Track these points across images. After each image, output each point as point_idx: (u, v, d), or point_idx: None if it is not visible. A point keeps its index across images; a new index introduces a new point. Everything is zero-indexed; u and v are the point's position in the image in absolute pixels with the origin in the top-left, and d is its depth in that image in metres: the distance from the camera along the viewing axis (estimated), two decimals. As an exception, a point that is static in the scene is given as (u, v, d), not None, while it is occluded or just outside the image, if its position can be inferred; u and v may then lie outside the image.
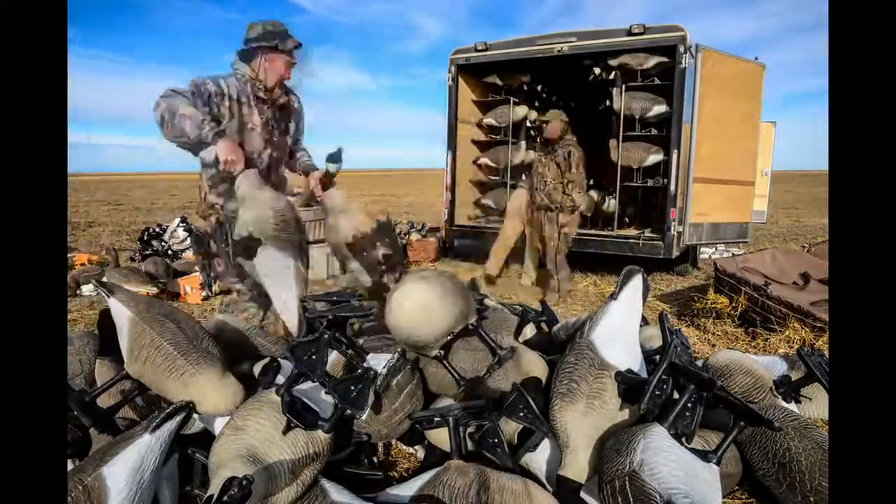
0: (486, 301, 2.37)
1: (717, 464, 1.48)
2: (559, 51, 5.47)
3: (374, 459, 2.07)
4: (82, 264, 5.18)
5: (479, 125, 6.80)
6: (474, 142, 6.81)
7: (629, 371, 1.73)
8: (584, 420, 1.66)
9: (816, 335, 3.29)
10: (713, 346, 3.55)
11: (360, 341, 2.32)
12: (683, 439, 1.51)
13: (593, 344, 1.79)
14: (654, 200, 6.42)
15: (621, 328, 1.87)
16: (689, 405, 1.54)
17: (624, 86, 5.54)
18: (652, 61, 5.32)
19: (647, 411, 1.57)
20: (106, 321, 2.16)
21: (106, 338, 2.15)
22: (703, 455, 1.48)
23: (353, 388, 1.72)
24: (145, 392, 2.00)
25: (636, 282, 1.95)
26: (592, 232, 5.85)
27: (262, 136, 2.60)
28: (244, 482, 1.27)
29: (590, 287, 5.44)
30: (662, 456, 1.40)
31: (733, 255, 7.27)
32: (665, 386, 1.61)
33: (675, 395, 1.63)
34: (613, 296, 1.94)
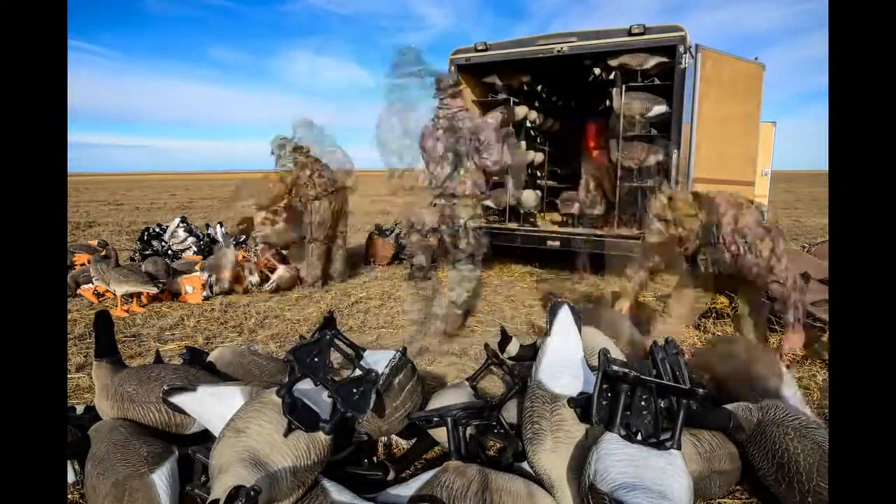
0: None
1: (678, 448, 1.55)
2: (559, 51, 5.47)
3: (374, 459, 2.07)
4: (82, 264, 5.17)
5: (479, 125, 6.78)
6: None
7: (580, 394, 1.80)
8: (555, 456, 1.71)
9: (816, 335, 3.29)
10: (713, 345, 3.55)
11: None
12: (640, 434, 1.59)
13: (541, 382, 1.88)
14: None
15: (562, 359, 1.96)
16: (642, 403, 1.63)
17: (624, 86, 5.54)
18: (652, 61, 5.31)
19: (600, 422, 1.66)
20: (103, 322, 2.16)
21: (102, 339, 2.15)
22: (659, 444, 1.55)
23: (355, 390, 1.73)
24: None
25: (563, 314, 2.08)
26: (592, 232, 5.84)
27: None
28: (251, 493, 1.26)
29: (589, 287, 5.44)
30: (611, 459, 1.50)
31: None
32: (609, 394, 1.69)
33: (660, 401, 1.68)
34: (546, 332, 2.07)
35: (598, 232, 5.79)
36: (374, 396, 1.74)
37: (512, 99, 6.59)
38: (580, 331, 2.08)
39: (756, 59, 5.76)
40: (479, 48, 5.92)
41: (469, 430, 1.95)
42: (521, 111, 6.60)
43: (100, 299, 4.60)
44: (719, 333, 3.74)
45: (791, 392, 2.18)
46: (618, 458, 1.49)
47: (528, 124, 6.95)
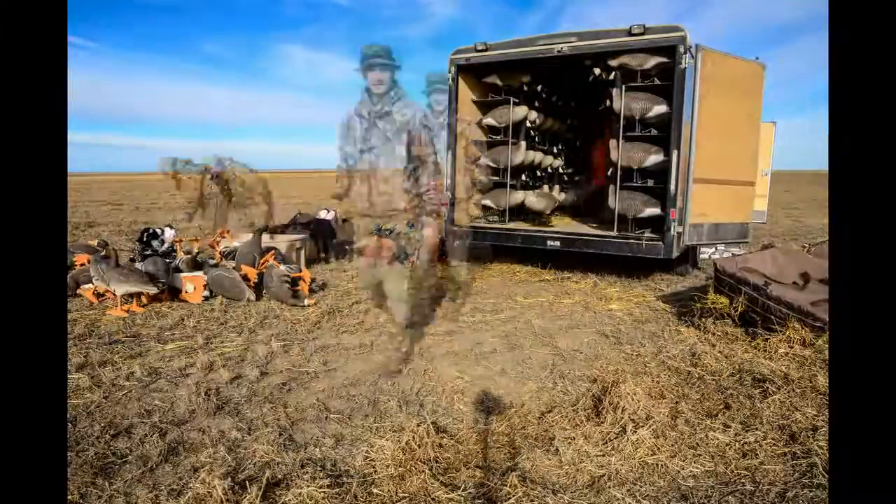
0: None
1: None
2: (559, 51, 5.47)
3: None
4: (82, 264, 5.17)
5: (479, 125, 6.79)
6: (474, 142, 6.80)
7: None
8: None
9: (816, 335, 3.29)
10: (713, 345, 3.56)
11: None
12: None
13: None
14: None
15: None
16: None
17: (624, 86, 5.54)
18: (652, 61, 5.31)
19: None
20: None
21: None
22: None
23: None
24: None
25: None
26: (593, 232, 5.84)
27: None
28: None
29: (589, 287, 5.45)
30: None
31: (733, 255, 7.24)
32: None
33: None
34: None
35: (600, 232, 5.80)
36: None
37: (512, 99, 6.59)
38: None
39: (756, 58, 5.76)
40: (479, 48, 5.92)
41: None
42: (520, 111, 6.59)
43: (100, 299, 4.60)
44: (719, 334, 3.74)
45: None
46: None
47: (528, 124, 6.95)
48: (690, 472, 2.11)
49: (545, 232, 5.91)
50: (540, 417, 2.59)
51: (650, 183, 5.65)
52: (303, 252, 6.29)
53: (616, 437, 2.31)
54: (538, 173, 7.43)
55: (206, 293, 4.71)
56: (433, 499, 1.94)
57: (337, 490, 1.96)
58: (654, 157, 5.39)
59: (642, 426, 2.33)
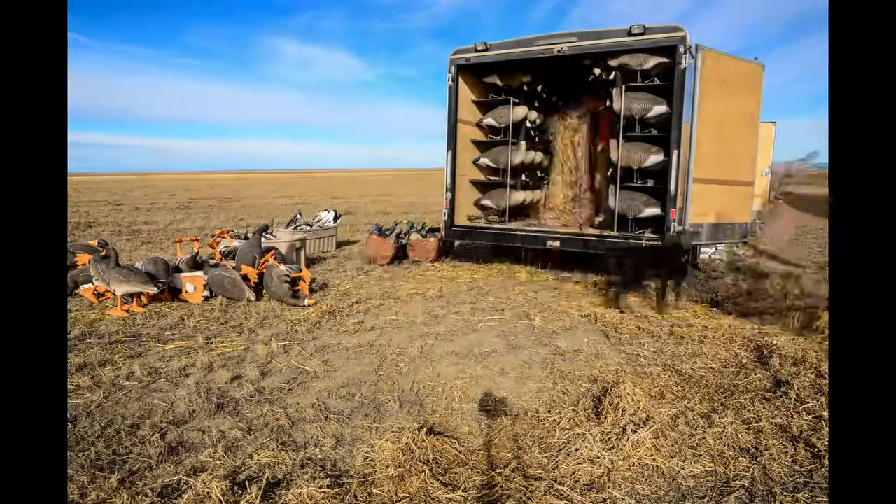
0: None
1: None
2: (559, 51, 5.47)
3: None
4: (83, 265, 5.17)
5: (479, 125, 6.79)
6: (474, 142, 6.81)
7: None
8: None
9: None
10: (713, 346, 3.55)
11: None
12: None
13: None
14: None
15: None
16: None
17: (624, 86, 5.54)
18: (652, 62, 5.32)
19: None
20: None
21: None
22: None
23: None
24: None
25: None
26: (592, 232, 5.84)
27: None
28: None
29: (589, 287, 5.44)
30: None
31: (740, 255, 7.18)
32: None
33: None
34: None
35: (600, 232, 5.80)
36: None
37: (512, 99, 6.60)
38: None
39: (756, 58, 5.76)
40: (479, 48, 5.93)
41: None
42: (520, 111, 6.60)
43: (100, 299, 4.60)
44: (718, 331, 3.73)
45: None
46: None
47: (528, 124, 6.95)
48: (690, 472, 2.11)
49: (545, 232, 5.92)
50: (540, 417, 2.59)
51: (650, 183, 5.65)
52: (303, 252, 6.30)
53: (616, 438, 2.31)
54: (538, 173, 7.43)
55: (206, 293, 4.71)
56: (433, 499, 1.94)
57: (337, 490, 1.97)
58: (654, 157, 5.40)
59: (642, 426, 2.33)
